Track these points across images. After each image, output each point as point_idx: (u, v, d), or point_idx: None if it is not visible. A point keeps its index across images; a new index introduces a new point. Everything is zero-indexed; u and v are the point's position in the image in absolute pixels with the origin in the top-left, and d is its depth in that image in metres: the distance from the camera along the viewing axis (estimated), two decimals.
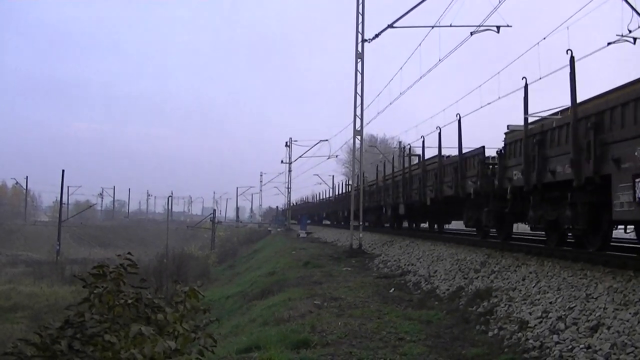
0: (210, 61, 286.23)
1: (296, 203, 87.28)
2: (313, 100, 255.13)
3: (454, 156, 18.87)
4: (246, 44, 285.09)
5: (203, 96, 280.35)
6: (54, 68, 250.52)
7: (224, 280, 35.14)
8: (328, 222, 61.60)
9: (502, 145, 15.01)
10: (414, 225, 31.42)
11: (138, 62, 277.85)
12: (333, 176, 64.00)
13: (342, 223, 37.72)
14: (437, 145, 20.40)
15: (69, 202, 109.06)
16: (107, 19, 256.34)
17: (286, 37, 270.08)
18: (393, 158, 27.45)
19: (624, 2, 17.25)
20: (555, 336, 8.00)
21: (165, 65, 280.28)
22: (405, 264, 18.87)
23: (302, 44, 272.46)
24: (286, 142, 69.17)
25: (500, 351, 8.24)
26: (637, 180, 8.79)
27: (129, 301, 4.93)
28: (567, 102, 11.40)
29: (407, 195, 24.59)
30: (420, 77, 26.59)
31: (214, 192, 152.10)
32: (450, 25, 23.65)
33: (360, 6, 26.99)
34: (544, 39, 18.05)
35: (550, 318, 8.73)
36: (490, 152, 16.30)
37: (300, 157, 66.65)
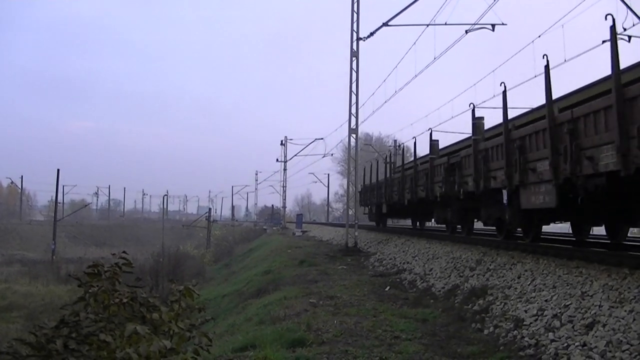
0: (205, 60, 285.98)
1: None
2: (308, 99, 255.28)
3: None
4: (242, 44, 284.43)
5: (198, 95, 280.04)
6: (49, 66, 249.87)
7: (219, 279, 35.10)
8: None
9: None
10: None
11: (135, 62, 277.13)
12: (328, 174, 64.01)
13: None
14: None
15: (65, 201, 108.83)
16: (104, 17, 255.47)
17: (281, 35, 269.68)
18: None
19: (619, 0, 17.29)
20: (550, 334, 8.02)
21: (161, 65, 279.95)
22: (400, 262, 18.89)
23: (297, 43, 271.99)
24: (281, 141, 69.31)
25: (496, 349, 8.26)
26: None
27: (124, 300, 4.92)
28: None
29: None
30: (416, 76, 26.60)
31: (210, 191, 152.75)
32: (445, 24, 23.71)
33: (356, 4, 27.01)
34: (539, 37, 18.10)
35: (546, 316, 8.75)
36: None
37: (295, 155, 66.82)
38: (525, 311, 9.36)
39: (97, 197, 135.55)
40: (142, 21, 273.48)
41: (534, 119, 12.69)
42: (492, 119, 16.02)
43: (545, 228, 16.49)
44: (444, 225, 22.54)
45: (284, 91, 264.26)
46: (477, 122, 15.63)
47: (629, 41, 17.74)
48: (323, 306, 12.19)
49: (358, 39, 26.95)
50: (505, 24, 23.45)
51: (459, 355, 8.14)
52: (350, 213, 29.17)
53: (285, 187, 71.62)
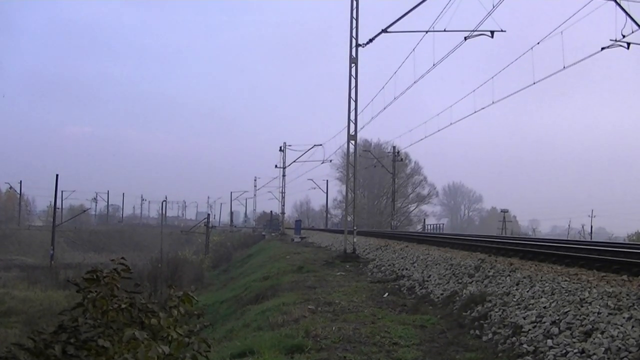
0: (205, 66, 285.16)
1: None
2: (307, 105, 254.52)
3: None
4: (243, 50, 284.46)
5: (197, 101, 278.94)
6: (49, 69, 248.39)
7: (218, 284, 35.09)
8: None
9: None
10: None
11: (136, 67, 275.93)
12: (327, 181, 64.04)
13: None
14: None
15: (63, 206, 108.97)
16: (104, 21, 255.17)
17: (280, 41, 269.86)
18: None
19: (618, 8, 17.37)
20: (549, 341, 8.01)
21: (161, 70, 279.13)
22: (399, 269, 18.87)
23: (297, 49, 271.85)
24: (280, 147, 69.28)
25: (494, 356, 8.25)
26: None
27: (123, 306, 4.92)
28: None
29: None
30: (414, 82, 26.64)
31: (208, 197, 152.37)
32: (445, 30, 23.78)
33: (355, 11, 27.04)
34: (538, 43, 18.16)
35: (545, 323, 8.73)
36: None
37: (294, 161, 66.75)
38: (524, 318, 9.34)
39: (96, 202, 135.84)
40: (143, 26, 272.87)
41: None
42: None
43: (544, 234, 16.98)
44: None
45: (283, 97, 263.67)
46: None
47: (628, 48, 17.81)
48: (321, 312, 12.17)
49: (357, 45, 26.94)
50: (504, 31, 23.52)
51: None
52: (348, 219, 29.16)
53: (284, 193, 71.68)
